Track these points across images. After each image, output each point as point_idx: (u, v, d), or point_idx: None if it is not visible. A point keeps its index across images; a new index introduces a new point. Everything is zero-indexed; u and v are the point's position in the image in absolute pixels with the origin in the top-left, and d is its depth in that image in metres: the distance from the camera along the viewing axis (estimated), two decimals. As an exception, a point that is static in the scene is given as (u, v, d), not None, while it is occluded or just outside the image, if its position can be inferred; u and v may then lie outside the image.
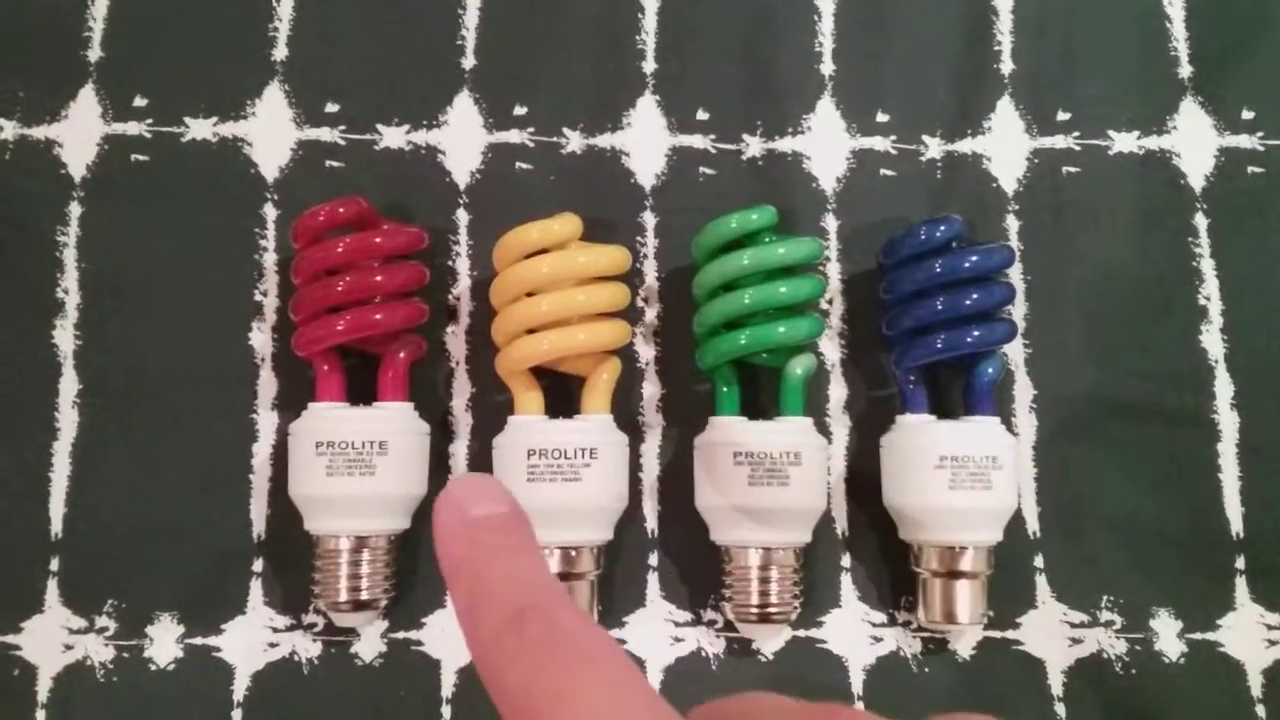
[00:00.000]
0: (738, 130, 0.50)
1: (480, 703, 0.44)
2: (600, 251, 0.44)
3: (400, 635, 0.45)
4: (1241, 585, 0.47)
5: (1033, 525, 0.47)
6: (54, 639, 0.45)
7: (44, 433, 0.46)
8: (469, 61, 0.50)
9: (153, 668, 0.44)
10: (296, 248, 0.44)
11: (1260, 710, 0.45)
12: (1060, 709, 0.45)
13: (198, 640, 0.45)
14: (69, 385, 0.46)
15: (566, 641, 0.23)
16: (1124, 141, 0.51)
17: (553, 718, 0.22)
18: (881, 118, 0.50)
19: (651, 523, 0.47)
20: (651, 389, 0.48)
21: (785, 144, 0.50)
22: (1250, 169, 0.50)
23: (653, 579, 0.46)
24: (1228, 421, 0.48)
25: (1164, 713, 0.45)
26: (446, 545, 0.26)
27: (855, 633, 0.46)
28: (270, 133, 0.49)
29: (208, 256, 0.48)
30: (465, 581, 0.25)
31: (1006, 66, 0.51)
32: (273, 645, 0.45)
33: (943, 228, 0.45)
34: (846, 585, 0.46)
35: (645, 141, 0.50)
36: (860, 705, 0.45)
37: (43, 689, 0.44)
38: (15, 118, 0.48)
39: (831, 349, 0.48)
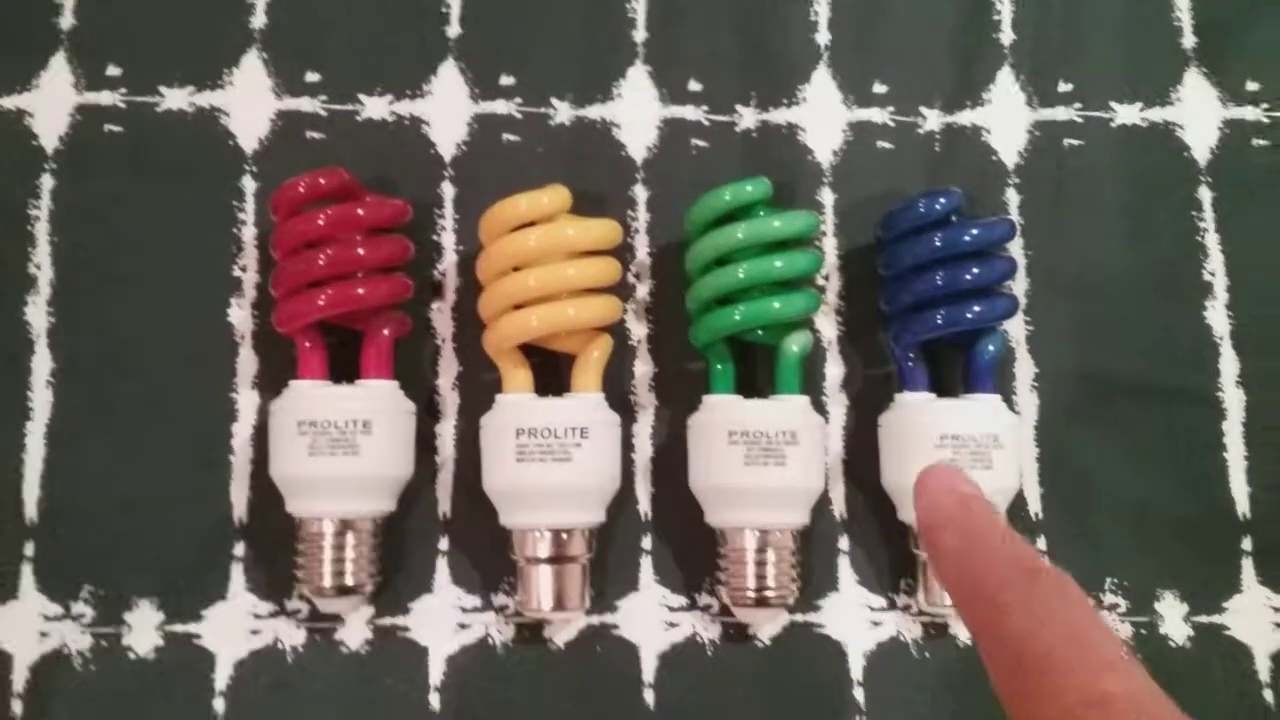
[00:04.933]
0: (731, 101, 0.49)
1: (469, 690, 0.43)
2: (590, 225, 0.43)
3: (387, 621, 0.44)
4: (1248, 567, 0.46)
5: (1035, 506, 0.46)
6: (30, 627, 0.43)
7: (17, 414, 0.45)
8: (454, 30, 0.49)
9: (132, 656, 0.43)
10: (276, 220, 0.43)
11: (1268, 694, 0.44)
12: (1063, 694, 0.44)
13: (178, 627, 0.43)
14: (42, 364, 0.45)
15: (1080, 601, 0.27)
16: (1127, 113, 0.50)
17: (1067, 662, 0.25)
18: (879, 89, 0.49)
19: (644, 504, 0.45)
20: (643, 367, 0.46)
21: (780, 115, 0.49)
22: (1255, 141, 0.50)
23: (646, 562, 0.45)
24: (1233, 400, 0.47)
25: (1170, 696, 0.44)
26: (936, 501, 0.30)
27: (854, 617, 0.45)
28: (249, 103, 0.47)
29: (185, 231, 0.46)
30: (957, 531, 0.29)
31: (1007, 37, 0.50)
32: (255, 632, 0.44)
33: (942, 200, 0.44)
34: (845, 568, 0.45)
35: (636, 113, 0.48)
36: (860, 692, 0.44)
37: (19, 678, 0.43)
38: (-15, 88, 0.47)
39: (828, 326, 0.47)
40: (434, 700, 0.43)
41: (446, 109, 0.48)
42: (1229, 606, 0.45)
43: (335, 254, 0.42)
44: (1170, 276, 0.48)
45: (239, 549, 0.44)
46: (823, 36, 0.50)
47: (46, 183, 0.46)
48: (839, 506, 0.46)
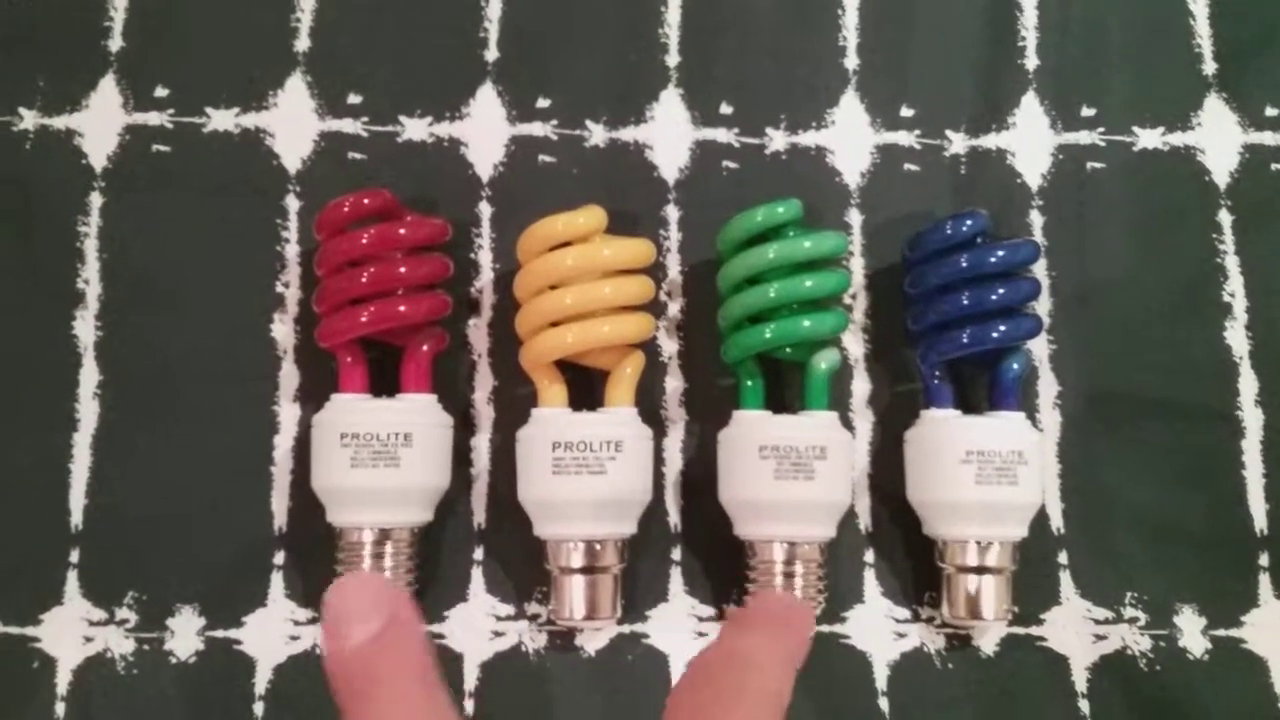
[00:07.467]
0: (761, 124, 0.50)
1: (502, 695, 0.44)
2: (624, 244, 0.44)
3: (423, 628, 0.45)
4: (1265, 582, 0.46)
5: (1057, 521, 0.47)
6: (74, 631, 0.44)
7: (64, 424, 0.46)
8: (491, 53, 0.50)
9: (173, 660, 0.44)
10: (320, 239, 0.44)
11: (1284, 706, 0.45)
12: (1084, 705, 0.45)
13: (219, 633, 0.45)
14: (89, 376, 0.46)
15: None
16: (1148, 138, 0.50)
17: None
18: (906, 112, 0.50)
19: (674, 517, 0.46)
20: (675, 383, 0.47)
21: (809, 138, 0.50)
22: (1274, 166, 0.50)
23: (676, 573, 0.46)
24: (1252, 418, 0.48)
25: (1188, 709, 0.45)
26: (331, 680, 0.29)
27: (879, 629, 0.46)
28: (292, 124, 0.49)
29: (229, 248, 0.47)
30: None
31: (1031, 62, 0.51)
32: (294, 638, 0.45)
33: (968, 222, 0.45)
34: (870, 581, 0.46)
35: (668, 135, 0.49)
36: (884, 702, 0.45)
37: (62, 681, 0.44)
38: (36, 108, 0.48)
39: (855, 344, 0.48)
40: (469, 705, 0.44)
41: (484, 131, 0.49)
42: (1246, 620, 0.46)
43: (377, 272, 0.43)
44: (1190, 297, 0.49)
45: (279, 557, 0.45)
46: (851, 61, 0.51)
47: (95, 201, 0.47)
48: (865, 520, 0.47)
